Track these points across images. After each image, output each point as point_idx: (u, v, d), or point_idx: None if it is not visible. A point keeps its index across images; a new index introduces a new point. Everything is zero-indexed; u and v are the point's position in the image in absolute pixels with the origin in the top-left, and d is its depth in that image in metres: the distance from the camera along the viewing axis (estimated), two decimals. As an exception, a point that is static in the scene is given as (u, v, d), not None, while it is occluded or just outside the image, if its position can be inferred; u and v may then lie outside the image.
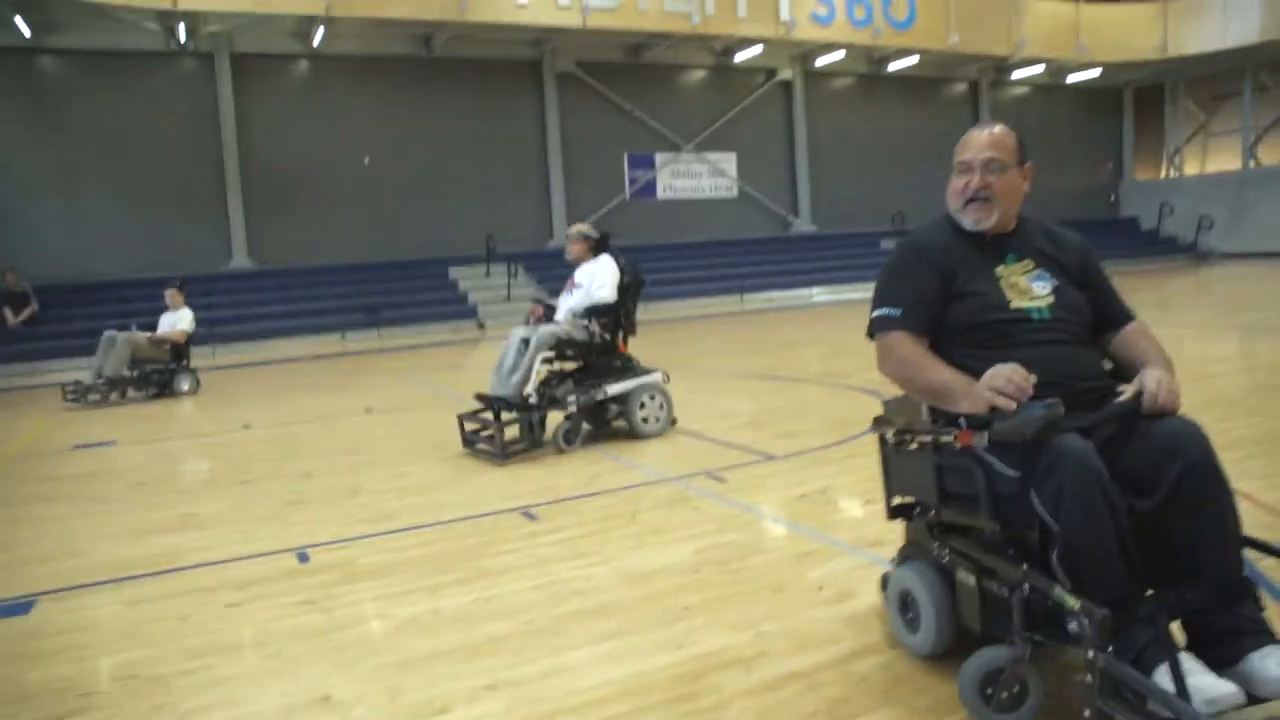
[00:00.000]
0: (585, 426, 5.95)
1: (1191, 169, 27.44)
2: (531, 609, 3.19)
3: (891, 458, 2.70)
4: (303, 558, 3.98)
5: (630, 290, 6.10)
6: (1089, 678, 1.94)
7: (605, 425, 6.15)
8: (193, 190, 17.30)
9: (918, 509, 2.68)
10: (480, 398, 5.87)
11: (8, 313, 14.28)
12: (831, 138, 23.46)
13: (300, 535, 4.34)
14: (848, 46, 21.45)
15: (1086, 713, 1.94)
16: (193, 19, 15.84)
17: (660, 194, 22.02)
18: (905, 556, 2.69)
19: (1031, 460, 2.12)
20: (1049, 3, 23.25)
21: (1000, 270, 2.48)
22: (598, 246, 6.22)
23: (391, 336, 16.09)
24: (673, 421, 6.20)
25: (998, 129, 2.48)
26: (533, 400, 5.69)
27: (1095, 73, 25.30)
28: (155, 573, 3.90)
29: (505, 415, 5.71)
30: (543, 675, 2.68)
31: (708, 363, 10.18)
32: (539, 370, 5.76)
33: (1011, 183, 2.46)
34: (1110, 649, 1.94)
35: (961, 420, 2.32)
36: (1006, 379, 2.19)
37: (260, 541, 4.27)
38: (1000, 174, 2.43)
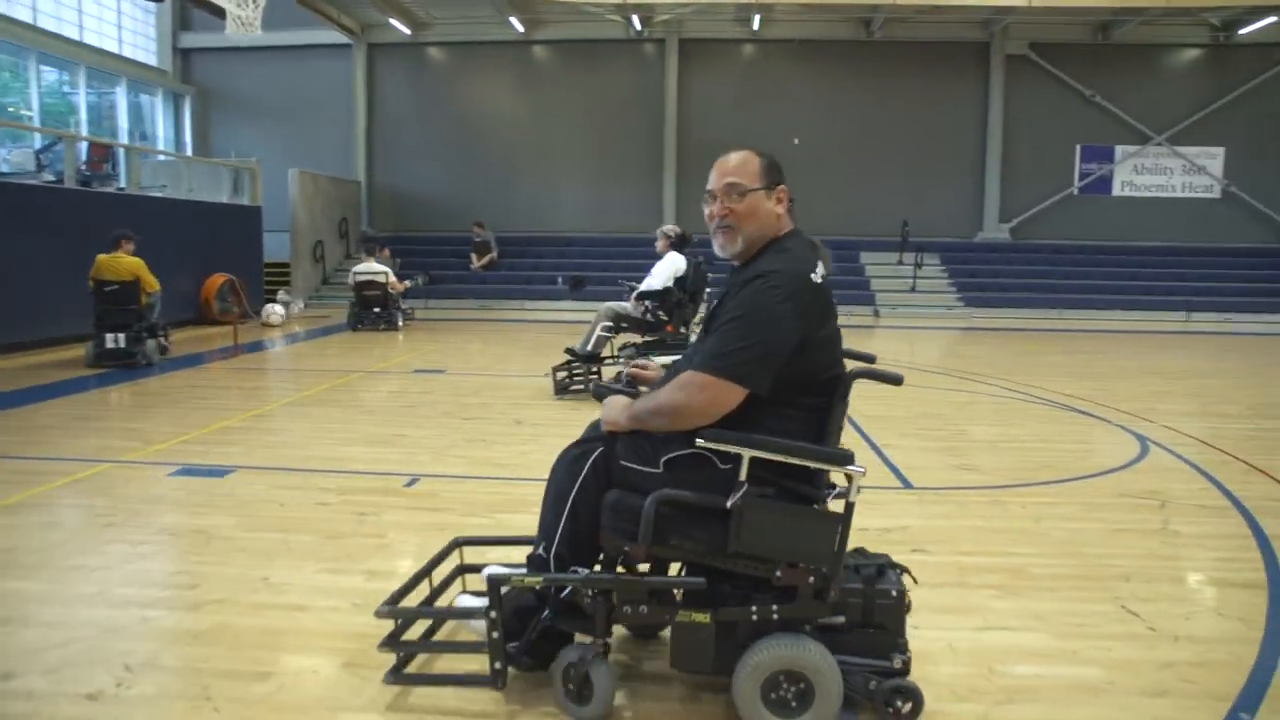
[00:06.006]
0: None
1: None
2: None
3: None
4: (411, 481, 4.79)
5: (688, 283, 7.25)
6: None
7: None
8: (633, 162, 19.49)
9: None
10: (567, 351, 7.58)
11: (473, 258, 17.52)
12: (1375, 129, 18.75)
13: (437, 465, 5.15)
14: None
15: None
16: (647, 9, 17.66)
17: (1116, 190, 19.54)
18: None
19: None
20: None
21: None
22: (675, 245, 7.37)
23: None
24: None
25: (738, 155, 2.43)
26: (588, 350, 7.40)
27: None
28: (308, 469, 4.99)
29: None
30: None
31: (1019, 378, 9.02)
32: (597, 335, 7.39)
33: (754, 206, 2.40)
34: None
35: None
36: None
37: (401, 464, 5.17)
38: (741, 199, 2.39)
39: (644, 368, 2.75)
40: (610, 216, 19.41)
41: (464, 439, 5.91)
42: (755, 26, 18.44)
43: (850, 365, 2.44)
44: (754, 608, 2.34)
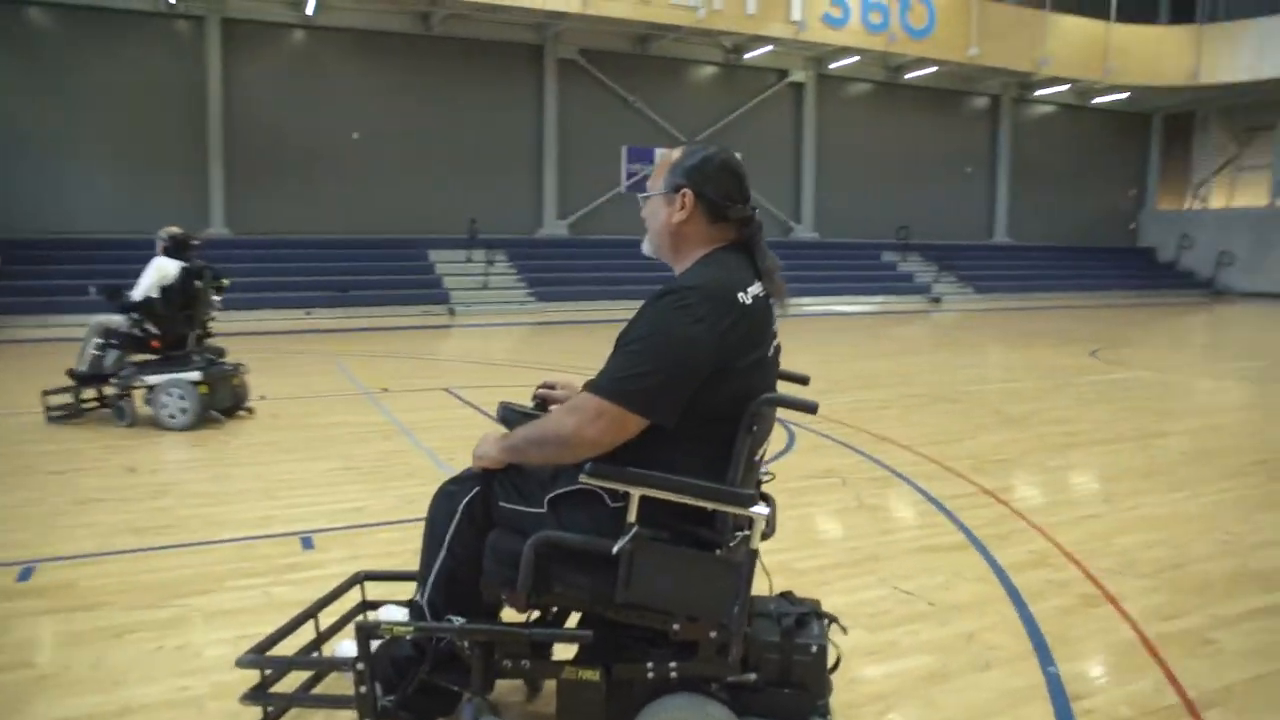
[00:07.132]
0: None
1: (1218, 202, 26.52)
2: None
3: None
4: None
5: (173, 295, 6.38)
6: None
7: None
8: (174, 153, 17.08)
9: None
10: (68, 373, 6.60)
11: (-33, 265, 14.09)
12: (841, 144, 22.88)
13: (51, 544, 3.92)
14: (861, 52, 20.84)
15: None
16: (181, -21, 15.55)
17: (659, 190, 21.49)
18: None
19: None
20: (1078, 20, 22.45)
21: None
22: (169, 250, 6.51)
23: (359, 316, 15.71)
24: (249, 410, 6.78)
25: (669, 152, 2.24)
26: (81, 371, 6.55)
27: (1123, 96, 24.48)
28: None
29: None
30: None
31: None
32: (89, 354, 6.50)
33: (652, 210, 2.18)
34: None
35: None
36: None
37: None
38: (646, 202, 2.20)
39: (552, 387, 2.39)
40: (149, 216, 16.45)
41: (70, 501, 4.59)
42: (309, 11, 17.16)
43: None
44: (650, 665, 2.08)
